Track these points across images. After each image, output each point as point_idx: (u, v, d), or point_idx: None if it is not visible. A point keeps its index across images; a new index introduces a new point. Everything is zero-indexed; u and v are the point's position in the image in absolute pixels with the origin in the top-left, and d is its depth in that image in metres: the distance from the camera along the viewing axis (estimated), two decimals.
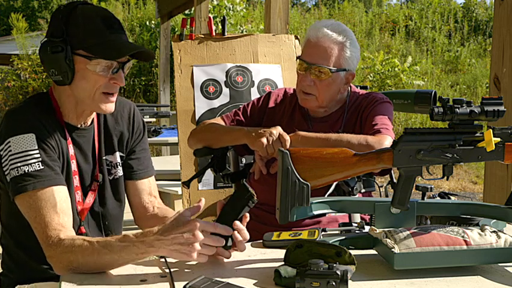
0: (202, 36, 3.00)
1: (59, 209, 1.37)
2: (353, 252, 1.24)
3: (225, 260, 1.32)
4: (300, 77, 1.95)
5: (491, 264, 1.30)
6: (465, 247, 1.26)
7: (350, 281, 1.13)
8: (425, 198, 1.51)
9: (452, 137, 1.31)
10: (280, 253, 1.31)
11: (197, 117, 2.86)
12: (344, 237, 1.43)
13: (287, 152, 1.27)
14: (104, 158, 1.62)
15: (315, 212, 1.36)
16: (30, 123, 1.43)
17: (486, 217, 1.47)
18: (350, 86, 2.03)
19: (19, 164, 1.38)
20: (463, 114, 1.28)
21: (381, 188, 1.98)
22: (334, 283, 1.10)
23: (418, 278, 1.23)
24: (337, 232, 1.54)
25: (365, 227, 1.55)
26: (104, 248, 1.23)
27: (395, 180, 2.04)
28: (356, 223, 1.60)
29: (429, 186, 1.55)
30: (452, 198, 1.80)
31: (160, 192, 1.77)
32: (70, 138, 1.53)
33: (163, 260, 1.31)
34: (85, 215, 1.58)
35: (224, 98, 2.92)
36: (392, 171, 2.08)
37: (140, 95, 12.33)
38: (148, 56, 1.52)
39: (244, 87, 2.96)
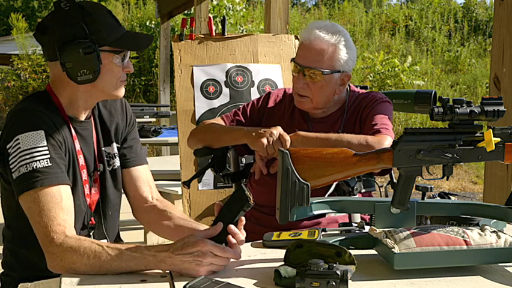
0: (202, 36, 3.00)
1: (64, 206, 1.38)
2: (353, 252, 1.24)
3: None
4: (294, 79, 1.95)
5: (491, 264, 1.31)
6: (465, 247, 1.26)
7: (350, 281, 1.13)
8: (425, 198, 1.51)
9: (452, 137, 1.31)
10: (280, 253, 1.31)
11: (197, 117, 2.86)
12: (344, 237, 1.43)
13: (287, 152, 1.27)
14: (103, 149, 1.66)
15: (315, 212, 1.36)
16: (41, 120, 1.45)
17: (486, 217, 1.47)
18: (349, 86, 2.03)
19: (28, 160, 1.39)
20: (463, 114, 1.28)
21: (381, 188, 1.97)
22: (334, 283, 1.10)
23: (418, 278, 1.23)
24: (337, 232, 1.54)
25: (365, 227, 1.55)
26: (114, 254, 1.24)
27: (395, 180, 2.04)
28: (356, 223, 1.60)
29: (429, 186, 1.55)
30: (452, 198, 1.80)
31: (160, 192, 1.78)
32: (75, 133, 1.56)
33: None
34: (94, 206, 1.62)
35: (224, 98, 2.92)
36: (392, 171, 2.08)
37: (140, 95, 12.33)
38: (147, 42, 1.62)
39: (244, 87, 2.96)
